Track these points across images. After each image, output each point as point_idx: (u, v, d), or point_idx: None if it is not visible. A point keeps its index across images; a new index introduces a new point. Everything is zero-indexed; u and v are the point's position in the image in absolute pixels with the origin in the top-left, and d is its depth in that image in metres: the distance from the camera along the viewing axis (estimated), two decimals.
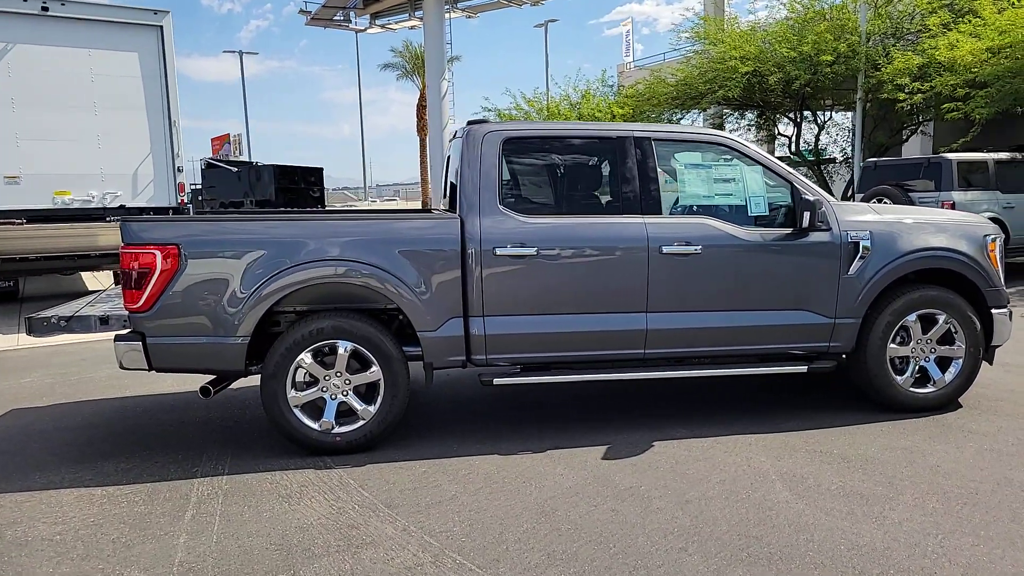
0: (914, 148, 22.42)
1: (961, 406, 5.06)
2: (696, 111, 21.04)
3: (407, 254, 4.39)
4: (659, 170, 4.71)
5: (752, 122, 22.83)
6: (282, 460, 4.37)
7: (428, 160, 35.39)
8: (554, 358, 4.65)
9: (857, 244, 4.75)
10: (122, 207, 9.57)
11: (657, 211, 4.66)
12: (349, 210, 7.17)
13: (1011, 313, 5.08)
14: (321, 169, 29.95)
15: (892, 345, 4.90)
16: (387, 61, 49.74)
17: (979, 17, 14.68)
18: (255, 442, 4.73)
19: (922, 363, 4.98)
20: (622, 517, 3.52)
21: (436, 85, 28.93)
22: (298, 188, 29.02)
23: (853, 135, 19.82)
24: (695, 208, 4.84)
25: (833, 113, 22.56)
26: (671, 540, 3.28)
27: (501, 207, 4.51)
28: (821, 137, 21.32)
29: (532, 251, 4.45)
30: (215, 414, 5.39)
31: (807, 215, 4.57)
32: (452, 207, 5.83)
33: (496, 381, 4.55)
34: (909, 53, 15.94)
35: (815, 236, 4.72)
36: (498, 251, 4.43)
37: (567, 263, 4.52)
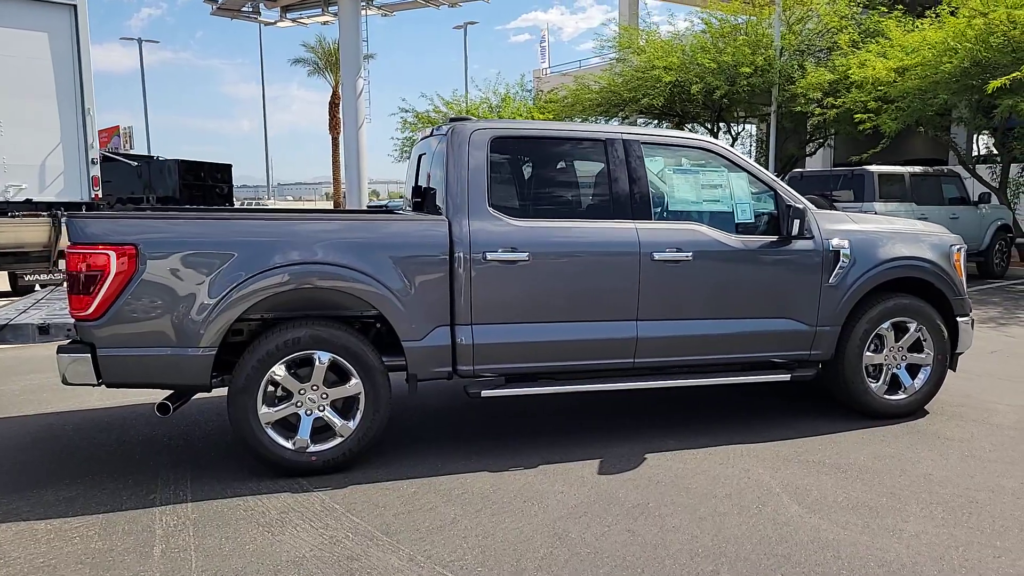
0: (818, 160, 23.53)
1: (928, 412, 5.17)
2: (618, 118, 21.28)
3: (391, 258, 4.07)
4: (648, 174, 4.58)
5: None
6: (251, 483, 3.97)
7: (342, 159, 34.48)
8: (542, 368, 4.43)
9: (838, 253, 4.76)
10: (28, 201, 8.71)
11: (647, 216, 4.52)
12: (327, 210, 6.71)
13: (973, 321, 5.23)
14: (230, 166, 28.72)
15: (868, 353, 4.95)
16: (298, 56, 48.31)
17: (887, 37, 15.47)
18: (214, 463, 4.30)
19: (894, 370, 5.05)
20: (640, 538, 3.34)
21: (351, 83, 28.08)
22: (204, 185, 27.66)
23: (766, 146, 20.57)
24: (682, 214, 4.73)
25: (746, 125, 23.38)
26: (700, 562, 3.13)
27: (490, 209, 4.26)
28: (735, 148, 22.00)
29: (524, 256, 4.22)
30: (159, 432, 4.89)
31: (796, 223, 4.54)
32: (419, 209, 5.57)
33: (484, 393, 4.29)
34: (822, 69, 16.62)
35: (799, 244, 4.71)
36: (488, 255, 4.18)
37: (559, 269, 4.32)
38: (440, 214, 4.36)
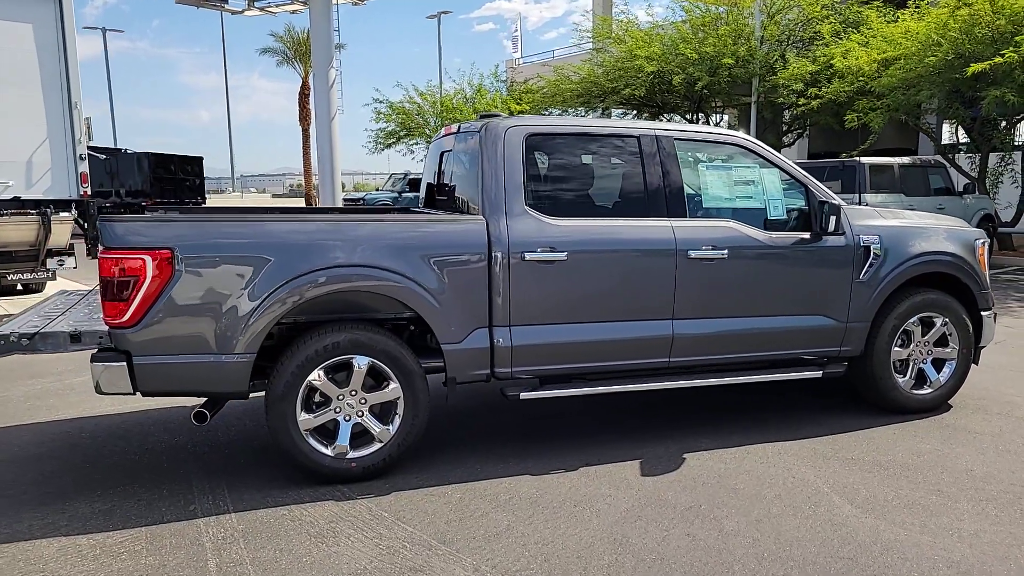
0: (794, 151, 23.74)
1: (951, 407, 5.21)
2: (597, 109, 21.25)
3: (430, 259, 3.98)
4: (681, 171, 4.53)
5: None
6: (290, 491, 3.86)
7: (313, 151, 33.98)
8: (579, 369, 4.37)
9: (868, 248, 4.77)
10: (16, 199, 8.40)
11: (682, 213, 4.48)
12: (358, 210, 6.53)
13: (995, 315, 5.29)
14: (201, 158, 28.23)
15: (895, 348, 4.97)
16: (265, 45, 47.50)
17: (868, 28, 15.61)
18: (246, 469, 4.18)
19: (920, 365, 5.08)
20: (702, 543, 3.31)
21: (323, 73, 27.51)
22: (175, 178, 27.16)
23: None
24: (715, 210, 4.69)
25: (724, 115, 23.50)
26: (769, 567, 3.10)
27: (528, 209, 4.18)
28: None
29: (562, 256, 4.16)
30: (180, 438, 4.74)
31: (833, 219, 4.53)
32: (431, 205, 5.47)
33: (523, 396, 4.23)
34: (804, 60, 16.73)
35: (831, 240, 4.70)
36: (527, 256, 4.10)
37: (597, 268, 4.26)
38: (474, 213, 4.27)
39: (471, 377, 4.17)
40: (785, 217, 4.76)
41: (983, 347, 5.25)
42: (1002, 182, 15.69)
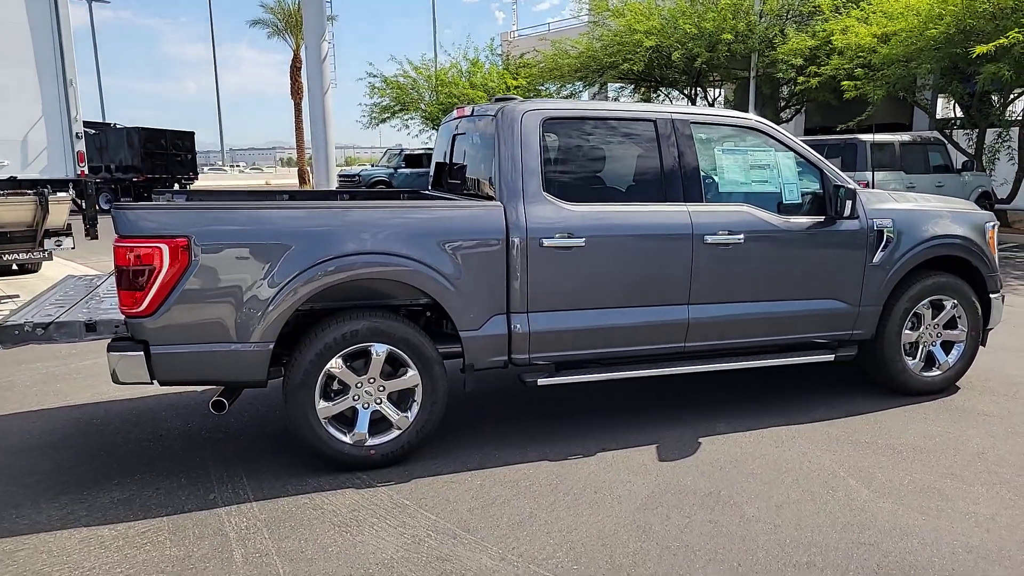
0: (791, 127, 23.66)
1: (959, 388, 5.25)
2: (595, 85, 21.07)
3: (449, 245, 3.95)
4: (697, 154, 4.50)
5: (644, 97, 23.22)
6: (309, 479, 3.86)
7: (306, 125, 33.59)
8: (595, 355, 4.37)
9: (882, 232, 4.77)
10: (12, 179, 8.28)
11: (698, 198, 4.46)
12: (373, 195, 6.45)
13: (1003, 297, 5.31)
14: (192, 133, 27.96)
15: (906, 331, 4.99)
16: (256, 17, 46.83)
17: (868, 2, 15.50)
18: (262, 457, 4.17)
19: (929, 348, 5.11)
20: (724, 529, 3.34)
21: (316, 46, 26.99)
22: (166, 153, 26.88)
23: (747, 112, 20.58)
24: (730, 195, 4.67)
25: (722, 91, 23.36)
26: (792, 553, 3.13)
27: (545, 194, 4.15)
28: None
29: (580, 241, 4.13)
30: (193, 424, 4.73)
31: (849, 203, 4.53)
32: (437, 187, 5.44)
33: (541, 382, 4.23)
34: (803, 35, 16.61)
35: (845, 224, 4.69)
36: (545, 242, 4.08)
37: (614, 254, 4.24)
38: (488, 198, 4.24)
39: (489, 364, 4.16)
40: (799, 201, 4.75)
41: (990, 329, 5.28)
42: (998, 159, 15.72)
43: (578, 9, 25.14)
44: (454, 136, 5.07)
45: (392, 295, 4.09)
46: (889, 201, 4.94)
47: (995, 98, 15.08)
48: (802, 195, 4.76)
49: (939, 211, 5.05)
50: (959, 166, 13.34)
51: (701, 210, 4.42)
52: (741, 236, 4.44)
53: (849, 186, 4.58)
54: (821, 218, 4.68)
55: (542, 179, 4.16)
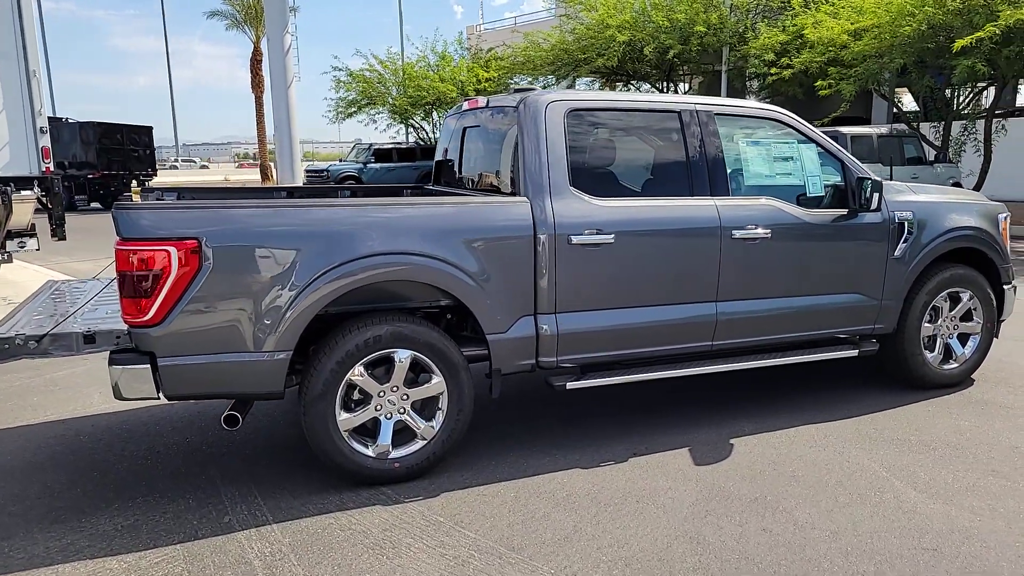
0: None
1: (974, 380, 5.20)
2: (566, 78, 20.90)
3: (474, 244, 3.72)
4: (723, 147, 4.35)
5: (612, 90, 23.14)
6: (330, 496, 3.61)
7: (268, 120, 32.88)
8: (624, 356, 4.19)
9: (903, 224, 4.68)
10: None
11: (725, 192, 4.30)
12: (385, 191, 6.06)
13: (1016, 288, 5.28)
14: (151, 128, 27.11)
15: (925, 324, 4.92)
16: (213, 8, 45.60)
17: None
18: (273, 472, 3.90)
19: (947, 340, 5.05)
20: (780, 539, 3.18)
21: (278, 38, 26.39)
22: (123, 148, 25.99)
23: None
24: (755, 188, 4.52)
25: (694, 85, 23.39)
26: (856, 563, 2.99)
27: (572, 188, 3.94)
28: None
29: (609, 238, 3.94)
30: (192, 438, 4.42)
31: (876, 196, 4.42)
32: (438, 182, 5.21)
33: (570, 386, 4.03)
34: (775, 30, 16.67)
35: (868, 217, 4.59)
36: (573, 239, 3.87)
37: (644, 250, 4.06)
38: (508, 193, 4.03)
39: (516, 368, 3.95)
40: (822, 194, 4.62)
41: (1003, 320, 5.25)
42: (964, 151, 15.98)
43: (549, 1, 24.83)
44: (464, 129, 4.84)
45: (413, 297, 3.84)
46: (908, 193, 4.85)
47: (960, 92, 15.32)
48: (824, 187, 4.64)
49: (957, 203, 4.98)
50: (931, 158, 13.49)
51: (728, 204, 4.27)
52: (768, 230, 4.30)
53: (875, 179, 4.47)
54: (844, 211, 4.57)
55: (569, 173, 3.95)
